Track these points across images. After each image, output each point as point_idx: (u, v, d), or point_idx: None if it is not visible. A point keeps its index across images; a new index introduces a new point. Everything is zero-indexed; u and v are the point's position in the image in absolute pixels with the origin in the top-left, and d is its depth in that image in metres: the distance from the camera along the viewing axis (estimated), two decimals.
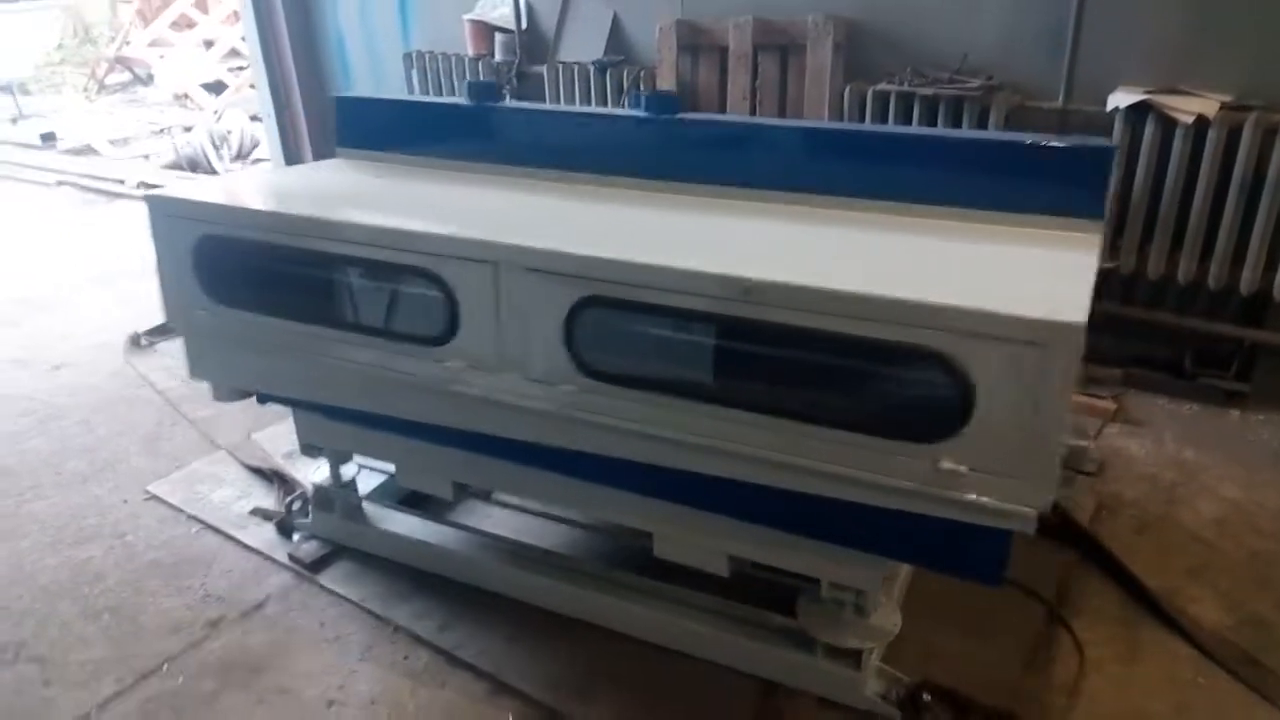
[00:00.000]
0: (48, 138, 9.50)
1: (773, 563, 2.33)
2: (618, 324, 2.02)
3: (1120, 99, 3.69)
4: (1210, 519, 3.10)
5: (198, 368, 2.65)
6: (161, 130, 9.69)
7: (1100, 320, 3.98)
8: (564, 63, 5.07)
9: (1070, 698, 2.37)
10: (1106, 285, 4.03)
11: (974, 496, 1.73)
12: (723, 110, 4.63)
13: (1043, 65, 3.92)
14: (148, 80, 12.67)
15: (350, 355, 2.30)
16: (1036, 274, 1.91)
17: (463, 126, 2.81)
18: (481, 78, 5.37)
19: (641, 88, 4.80)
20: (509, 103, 2.81)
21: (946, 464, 1.71)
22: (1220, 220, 3.67)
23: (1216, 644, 2.52)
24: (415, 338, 2.22)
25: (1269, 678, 2.42)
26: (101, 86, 12.83)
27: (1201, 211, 3.69)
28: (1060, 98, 3.91)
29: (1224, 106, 3.53)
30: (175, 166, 8.28)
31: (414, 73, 5.62)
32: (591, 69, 4.94)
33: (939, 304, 1.64)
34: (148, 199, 2.45)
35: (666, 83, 4.71)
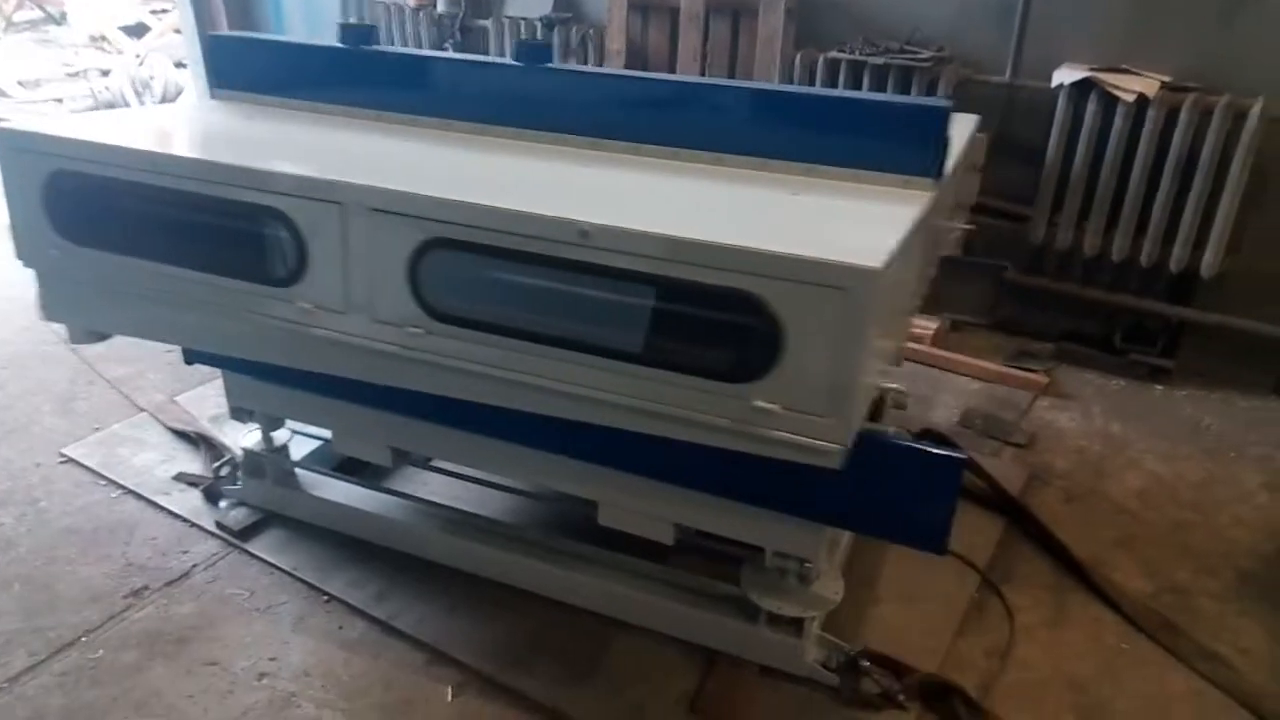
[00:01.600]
0: None
1: (717, 531, 2.32)
2: (461, 266, 2.02)
3: (1064, 75, 3.74)
4: (1135, 490, 3.21)
5: (51, 309, 2.54)
6: (77, 73, 9.16)
7: (1035, 295, 4.14)
8: (510, 17, 4.92)
9: (1002, 662, 2.43)
10: (1043, 261, 4.12)
11: (785, 434, 1.80)
12: (672, 72, 4.56)
13: (993, 39, 3.95)
14: (60, 19, 11.95)
15: (202, 296, 2.24)
16: (855, 224, 2.01)
17: (338, 71, 2.72)
18: (424, 30, 5.18)
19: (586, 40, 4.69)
20: (382, 47, 2.73)
21: (759, 402, 1.78)
22: (1155, 199, 3.76)
23: (1139, 611, 2.62)
24: (265, 278, 2.17)
25: (1186, 643, 2.52)
26: (9, 24, 12.05)
27: (1137, 190, 3.78)
28: (1007, 71, 3.94)
29: (1164, 86, 3.60)
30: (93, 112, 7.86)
31: (350, 21, 5.39)
32: (539, 25, 4.80)
33: (750, 248, 1.71)
34: None
35: (616, 42, 4.61)
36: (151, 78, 8.10)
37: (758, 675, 2.34)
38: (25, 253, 2.41)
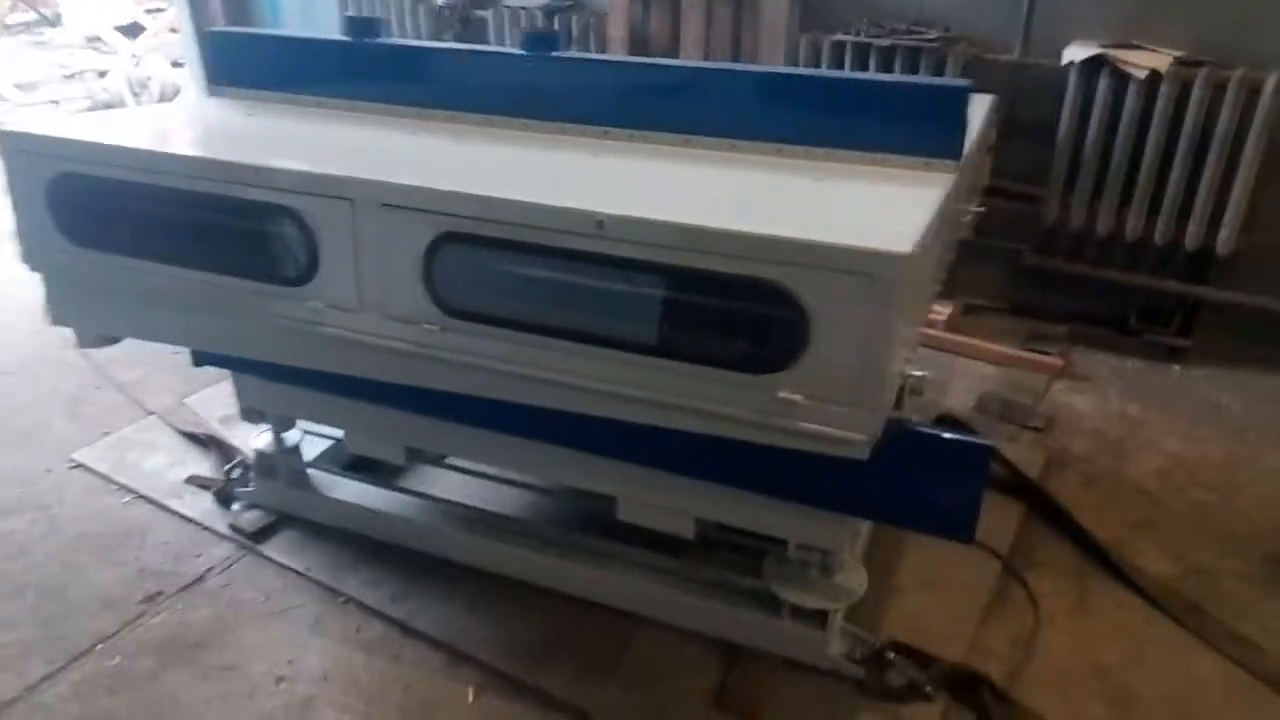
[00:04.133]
0: None
1: (739, 524, 2.29)
2: (475, 261, 1.98)
3: (1075, 53, 3.68)
4: (1154, 472, 3.17)
5: (59, 313, 2.49)
6: (73, 75, 9.11)
7: (1048, 276, 4.10)
8: (510, 7, 4.86)
9: (1027, 649, 2.40)
10: (1056, 242, 4.07)
11: (811, 425, 1.77)
12: (675, 58, 4.51)
13: (1001, 17, 3.89)
14: (55, 20, 11.88)
15: (211, 297, 2.21)
16: (878, 209, 1.96)
17: (341, 64, 2.69)
18: (423, 21, 5.13)
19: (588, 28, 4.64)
20: (387, 39, 2.71)
21: (784, 394, 1.74)
22: (1168, 177, 3.71)
23: (1164, 594, 2.59)
24: (276, 277, 2.14)
25: (1212, 625, 2.49)
26: (3, 27, 11.99)
27: (1150, 167, 3.73)
28: (1016, 50, 3.88)
29: (1177, 61, 3.54)
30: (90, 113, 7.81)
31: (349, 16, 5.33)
32: (540, 14, 4.75)
33: (774, 236, 1.67)
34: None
35: (617, 29, 4.56)
36: (149, 78, 8.05)
37: (782, 668, 2.31)
38: (31, 256, 2.39)
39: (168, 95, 8.03)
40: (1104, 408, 3.58)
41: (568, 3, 4.78)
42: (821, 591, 2.25)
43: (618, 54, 4.52)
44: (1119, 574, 2.66)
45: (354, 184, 1.96)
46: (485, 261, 1.98)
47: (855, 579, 2.30)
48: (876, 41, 3.95)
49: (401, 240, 1.95)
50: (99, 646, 2.39)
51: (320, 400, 2.50)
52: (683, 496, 2.21)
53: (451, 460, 2.97)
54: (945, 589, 2.57)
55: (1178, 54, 3.56)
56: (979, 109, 2.80)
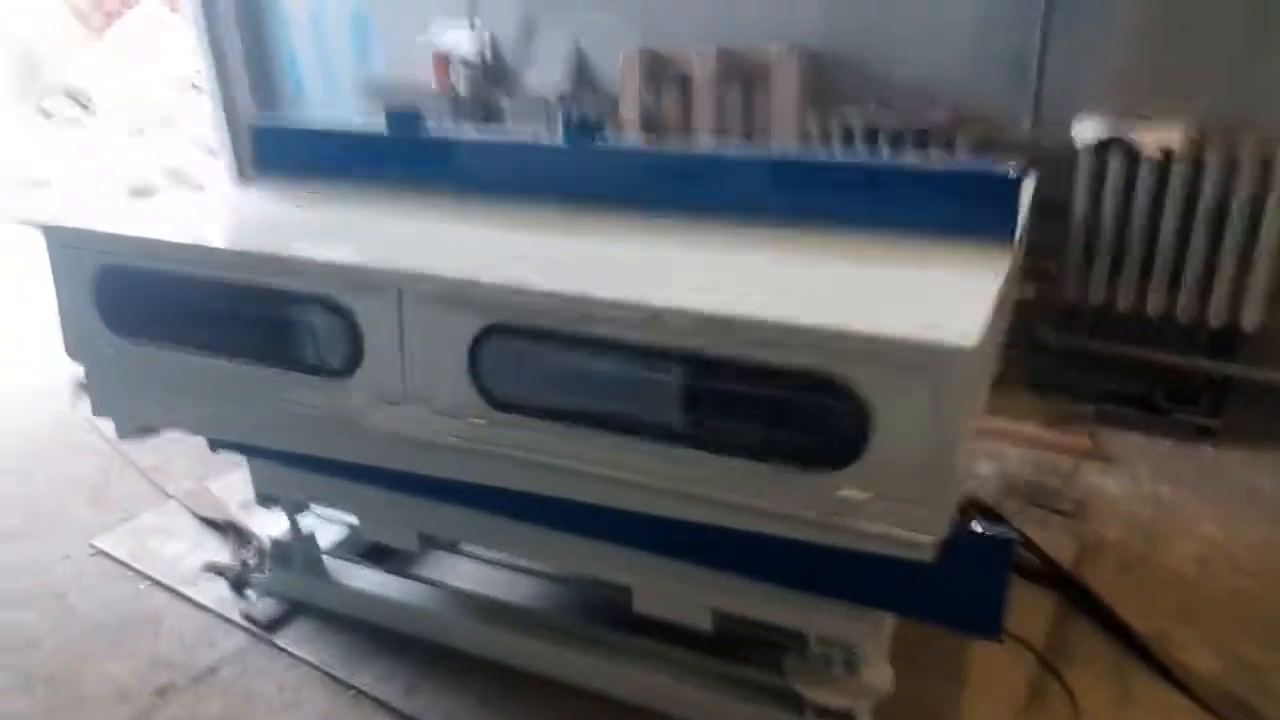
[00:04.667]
0: None
1: (756, 616, 2.22)
2: (522, 353, 1.97)
3: (1084, 131, 3.70)
4: (1191, 557, 3.07)
5: (100, 405, 2.52)
6: (108, 162, 9.42)
7: (1072, 356, 4.04)
8: (528, 96, 5.00)
9: None
10: (1077, 320, 4.03)
11: (875, 526, 1.70)
12: (687, 138, 4.60)
13: (1009, 91, 3.92)
14: (92, 107, 12.36)
15: (255, 388, 2.21)
16: (937, 297, 1.91)
17: (382, 154, 2.73)
18: (446, 111, 5.28)
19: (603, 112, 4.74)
20: (429, 129, 2.75)
21: (846, 491, 1.69)
22: (1188, 252, 3.68)
23: (1211, 692, 2.47)
24: (319, 369, 2.14)
25: None
26: (43, 114, 12.49)
27: (1169, 243, 3.70)
28: (1026, 123, 3.91)
29: (1188, 137, 3.54)
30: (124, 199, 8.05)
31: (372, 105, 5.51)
32: (555, 100, 4.87)
33: (832, 328, 1.63)
34: (44, 229, 2.33)
35: (630, 112, 4.66)
36: (180, 163, 8.30)
37: None
38: (74, 348, 2.40)
39: (198, 180, 8.27)
40: (1135, 490, 3.49)
41: (581, 89, 4.91)
42: (845, 689, 2.17)
43: (631, 137, 4.61)
44: (1163, 670, 2.55)
45: (400, 276, 1.96)
46: (532, 353, 1.96)
47: (881, 675, 2.22)
48: (884, 121, 4.00)
49: (447, 332, 1.93)
50: None
51: (333, 485, 2.48)
52: (698, 587, 2.16)
53: (466, 547, 2.93)
54: (977, 685, 2.47)
55: (1188, 128, 3.56)
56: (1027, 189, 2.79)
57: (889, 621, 2.43)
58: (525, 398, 1.96)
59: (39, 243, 2.33)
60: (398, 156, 2.71)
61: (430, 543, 2.80)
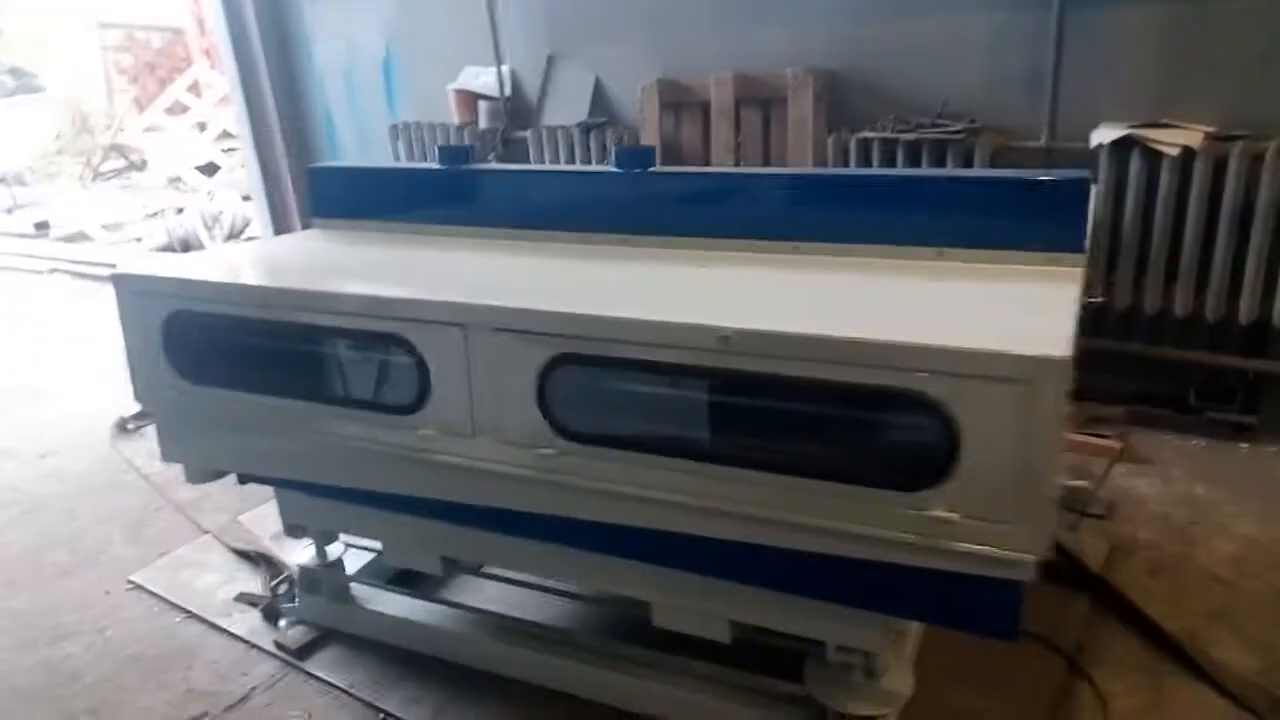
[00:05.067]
0: (41, 226, 9.59)
1: (775, 626, 2.21)
2: (591, 382, 1.96)
3: (1103, 135, 3.69)
4: (1227, 557, 2.99)
5: (170, 450, 2.58)
6: (154, 214, 9.77)
7: (1100, 357, 3.98)
8: (548, 127, 5.10)
9: None
10: (1104, 322, 3.98)
11: (969, 545, 1.66)
12: (707, 165, 4.64)
13: (1025, 105, 3.93)
14: (142, 166, 12.85)
15: (324, 428, 2.23)
16: (1018, 309, 1.88)
17: (435, 191, 2.78)
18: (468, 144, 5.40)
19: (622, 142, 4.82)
20: (480, 165, 2.79)
21: (937, 511, 1.64)
22: (1213, 250, 3.63)
23: (1246, 690, 2.40)
24: (388, 406, 2.16)
25: None
26: (97, 174, 13.01)
27: (1194, 243, 3.66)
28: (1043, 137, 3.90)
29: (1208, 137, 3.51)
30: (168, 249, 8.33)
31: (400, 144, 5.66)
32: (575, 131, 4.97)
33: (919, 344, 1.59)
34: (114, 277, 2.40)
35: (650, 141, 4.72)
36: (221, 212, 8.57)
37: None
38: (144, 394, 2.44)
39: (238, 227, 8.53)
40: (1169, 491, 3.41)
41: (602, 120, 5.00)
42: (866, 696, 2.15)
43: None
44: (1196, 669, 2.48)
45: (465, 309, 1.97)
46: (601, 382, 1.96)
47: (902, 681, 2.19)
48: (903, 136, 4.02)
49: (515, 364, 1.93)
50: None
51: (358, 514, 2.53)
52: (715, 600, 2.16)
53: (490, 569, 2.96)
54: (1006, 688, 2.43)
55: (1209, 129, 3.53)
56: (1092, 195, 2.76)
57: (914, 627, 2.41)
58: (594, 427, 1.94)
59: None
60: (452, 193, 2.75)
61: (455, 566, 2.83)
